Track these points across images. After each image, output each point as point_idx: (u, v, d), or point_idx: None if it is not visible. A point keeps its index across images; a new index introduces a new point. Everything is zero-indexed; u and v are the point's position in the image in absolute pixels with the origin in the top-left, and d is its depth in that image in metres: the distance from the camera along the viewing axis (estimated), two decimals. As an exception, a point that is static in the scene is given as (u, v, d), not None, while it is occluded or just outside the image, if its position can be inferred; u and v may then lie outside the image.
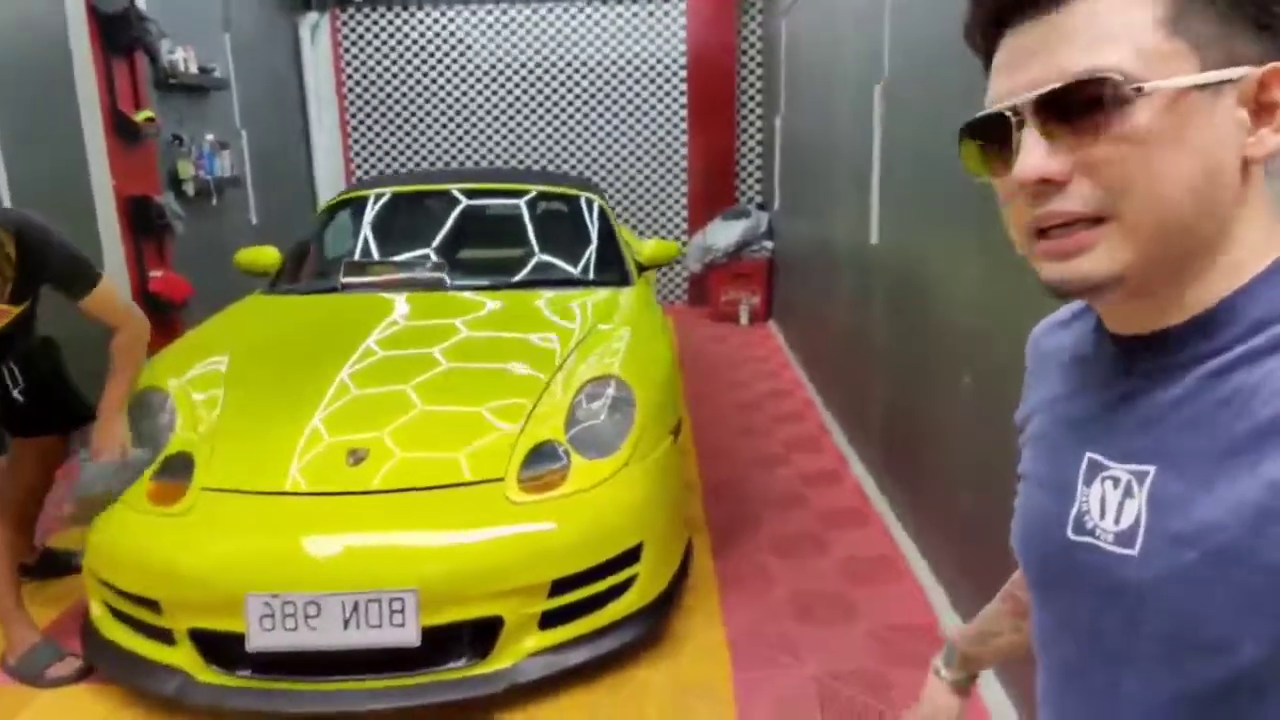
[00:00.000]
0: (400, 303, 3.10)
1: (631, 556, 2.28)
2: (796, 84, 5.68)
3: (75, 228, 3.53)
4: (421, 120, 7.40)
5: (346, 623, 1.99)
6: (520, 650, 2.14)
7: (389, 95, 7.35)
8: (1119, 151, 0.54)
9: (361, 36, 7.27)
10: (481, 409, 2.37)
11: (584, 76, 7.29)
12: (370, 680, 2.05)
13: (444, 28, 7.22)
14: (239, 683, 2.07)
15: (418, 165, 7.46)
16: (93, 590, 2.27)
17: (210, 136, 5.28)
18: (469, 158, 7.42)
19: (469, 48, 7.23)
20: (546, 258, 3.58)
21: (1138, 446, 0.60)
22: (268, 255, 3.65)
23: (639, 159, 7.47)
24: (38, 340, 2.57)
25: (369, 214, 3.79)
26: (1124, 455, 0.61)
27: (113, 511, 2.21)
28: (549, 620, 2.18)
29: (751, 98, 7.43)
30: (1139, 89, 0.53)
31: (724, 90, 7.27)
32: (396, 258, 3.53)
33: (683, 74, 7.28)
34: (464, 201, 3.79)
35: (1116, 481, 0.61)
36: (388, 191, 3.84)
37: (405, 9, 7.18)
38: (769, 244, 6.75)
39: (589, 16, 7.20)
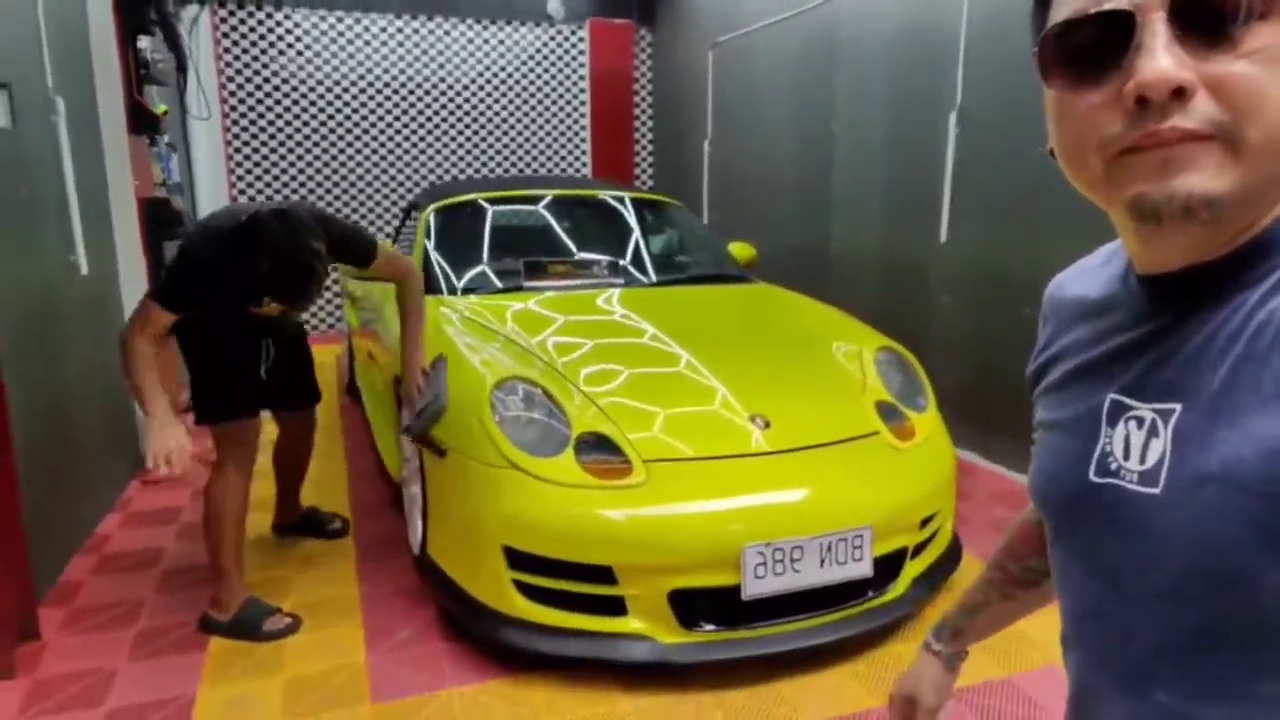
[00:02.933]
0: (615, 298, 3.24)
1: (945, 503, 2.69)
2: (732, 112, 6.34)
3: (87, 233, 3.17)
4: (310, 127, 6.97)
5: (823, 561, 2.23)
6: (907, 578, 2.49)
7: (276, 102, 6.84)
8: (1252, 68, 0.51)
9: (245, 36, 6.70)
10: (824, 379, 2.69)
11: (485, 93, 7.36)
12: (832, 613, 2.29)
13: (340, 34, 6.90)
14: (709, 637, 2.20)
15: (303, 173, 7.00)
16: (496, 574, 2.23)
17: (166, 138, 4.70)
18: (363, 170, 7.12)
19: (366, 58, 6.98)
20: (684, 257, 3.85)
21: (1163, 385, 0.59)
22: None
23: (547, 170, 7.67)
24: (294, 326, 2.85)
25: (480, 219, 3.76)
26: (1149, 395, 0.60)
27: (538, 489, 2.20)
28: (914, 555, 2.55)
29: (644, 120, 7.98)
30: None
31: (623, 114, 7.75)
32: (558, 260, 3.58)
33: (584, 96, 7.63)
34: (552, 208, 3.91)
35: (1141, 421, 0.60)
36: (485, 198, 3.84)
37: (296, 8, 6.75)
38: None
39: (493, 35, 7.30)
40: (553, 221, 3.87)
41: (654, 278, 3.58)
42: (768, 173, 5.85)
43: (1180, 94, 0.51)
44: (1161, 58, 0.51)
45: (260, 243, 2.19)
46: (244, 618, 2.46)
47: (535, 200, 3.93)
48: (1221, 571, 0.54)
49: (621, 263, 3.57)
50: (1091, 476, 0.63)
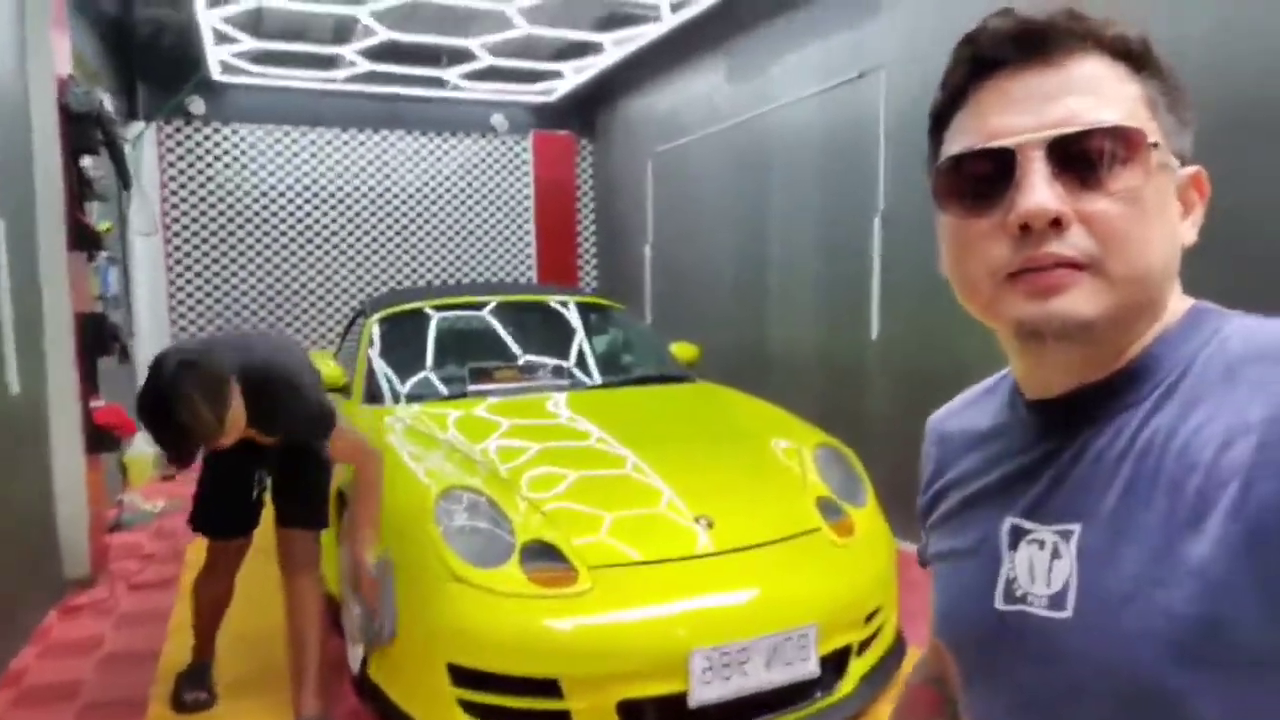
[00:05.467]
0: (560, 401, 3.28)
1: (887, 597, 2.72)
2: (671, 217, 6.59)
3: (20, 350, 3.15)
4: (253, 238, 7.02)
5: (769, 663, 2.22)
6: (854, 676, 2.49)
7: (220, 214, 6.89)
8: (1117, 206, 0.56)
9: (190, 151, 6.79)
10: (765, 477, 2.74)
11: (431, 202, 7.53)
12: (780, 716, 2.27)
13: (286, 148, 7.04)
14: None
15: (244, 283, 7.00)
16: (439, 693, 2.18)
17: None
18: (306, 279, 7.17)
19: (313, 169, 7.12)
20: (627, 358, 3.93)
21: (1061, 506, 0.60)
22: (330, 371, 3.51)
23: (492, 275, 7.79)
24: (299, 448, 2.55)
25: (424, 327, 3.80)
26: (1048, 517, 0.61)
27: (483, 601, 2.18)
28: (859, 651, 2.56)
29: (587, 226, 8.22)
30: (1157, 145, 0.57)
31: (567, 220, 7.98)
32: (501, 365, 3.62)
33: (529, 204, 7.86)
34: (488, 313, 3.98)
35: (1042, 544, 0.60)
36: (428, 305, 3.89)
37: (242, 124, 6.90)
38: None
39: (438, 146, 7.53)
40: (497, 327, 3.93)
41: (598, 379, 3.64)
42: (707, 274, 6.05)
43: (1058, 224, 0.56)
44: (1040, 192, 0.56)
45: (142, 390, 2.19)
46: (185, 675, 2.71)
47: (479, 306, 4.00)
48: (1146, 695, 0.53)
49: (565, 366, 3.63)
50: (998, 604, 0.63)
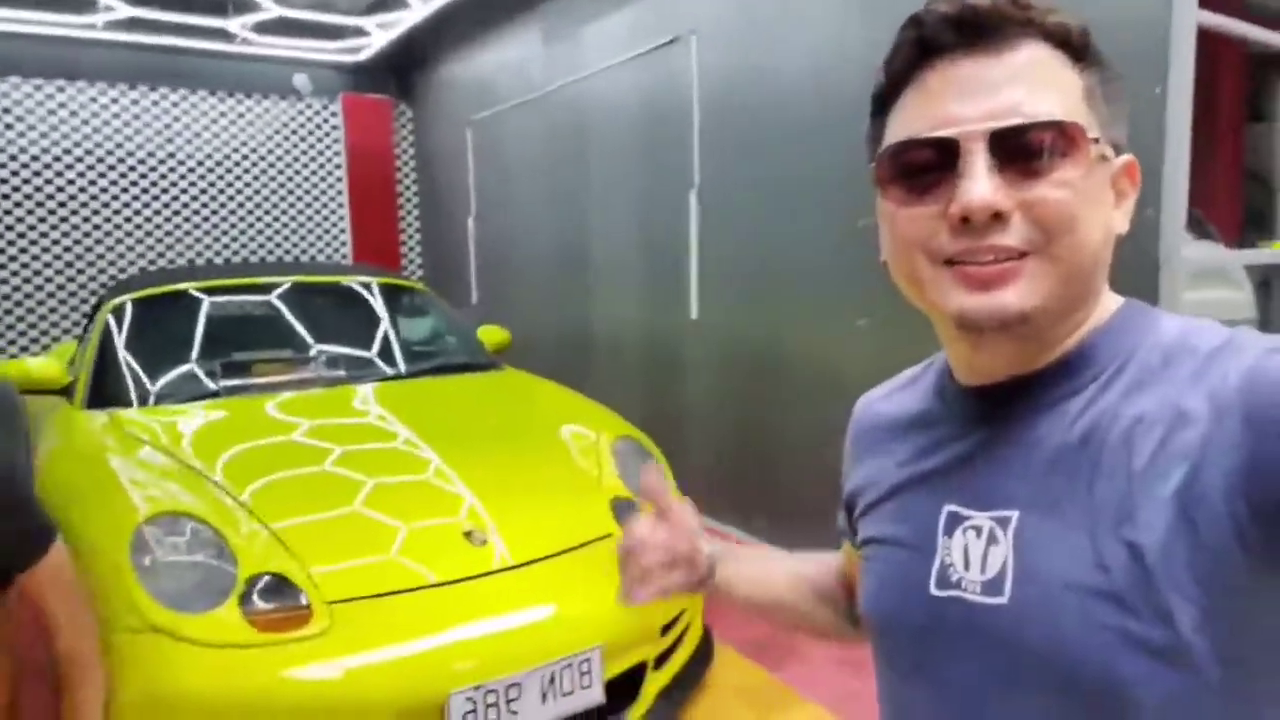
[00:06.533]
0: (350, 399, 2.87)
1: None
2: (493, 188, 6.18)
3: None
4: (23, 208, 6.04)
5: (544, 696, 1.95)
6: (650, 694, 2.27)
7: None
8: (1059, 194, 0.56)
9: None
10: (555, 477, 2.45)
11: (223, 171, 6.75)
12: (560, 754, 2.00)
13: (40, 105, 6.07)
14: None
15: (25, 264, 6.03)
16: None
17: None
18: (54, 257, 6.23)
19: (73, 130, 6.18)
20: (425, 347, 3.53)
21: (999, 493, 0.60)
22: (41, 369, 2.92)
23: (299, 255, 7.11)
24: None
25: (177, 314, 3.26)
26: (985, 503, 0.61)
27: (185, 656, 1.77)
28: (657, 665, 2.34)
29: (409, 198, 7.66)
30: (1096, 139, 0.58)
31: (384, 189, 7.39)
32: (266, 355, 3.14)
33: (340, 174, 7.21)
34: (273, 296, 3.49)
35: (979, 530, 0.60)
36: (192, 288, 3.35)
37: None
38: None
39: (231, 109, 6.74)
40: (271, 313, 3.43)
41: (389, 371, 3.23)
42: (530, 251, 5.71)
43: (999, 217, 0.57)
44: (982, 184, 0.56)
45: None
46: None
47: (255, 289, 3.48)
48: (1082, 682, 0.53)
49: (344, 355, 3.20)
50: (932, 590, 0.63)
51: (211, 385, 2.89)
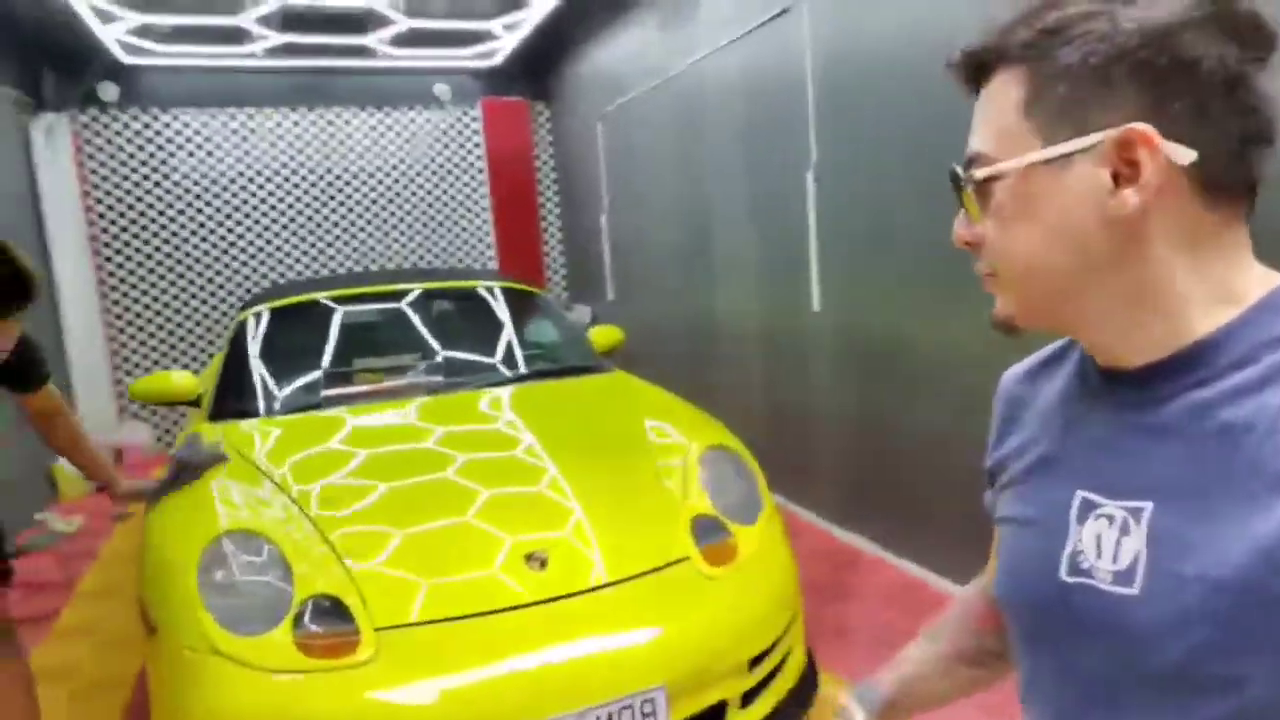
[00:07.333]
0: (416, 408, 2.85)
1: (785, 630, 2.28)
2: (622, 182, 6.08)
3: None
4: (188, 229, 6.62)
5: (601, 740, 1.80)
6: (736, 733, 2.06)
7: (149, 206, 6.49)
8: (990, 223, 0.61)
9: (111, 141, 6.38)
10: (634, 493, 2.29)
11: (375, 183, 7.08)
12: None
13: (215, 132, 6.61)
14: None
15: (182, 278, 6.62)
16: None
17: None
18: (240, 265, 6.75)
19: (246, 154, 6.69)
20: (531, 350, 3.47)
21: (1132, 482, 0.59)
22: (180, 382, 3.10)
23: (446, 260, 7.36)
24: None
25: (308, 324, 3.37)
26: (1118, 492, 0.60)
27: (236, 679, 1.77)
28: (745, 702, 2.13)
29: (550, 197, 7.73)
30: (996, 174, 0.60)
31: (525, 190, 7.49)
32: (376, 363, 3.19)
33: (483, 178, 7.38)
34: (399, 302, 3.54)
35: (1111, 519, 0.60)
36: (298, 301, 3.45)
37: (165, 111, 6.47)
38: (595, 334, 6.98)
39: (379, 122, 7.06)
40: (394, 319, 3.48)
41: (506, 374, 3.19)
42: (656, 243, 5.57)
43: (971, 246, 0.64)
44: (957, 221, 0.65)
45: None
46: None
47: (355, 300, 3.54)
48: (1207, 675, 0.54)
49: (463, 362, 3.18)
50: (1062, 576, 0.63)
51: (322, 395, 2.95)
